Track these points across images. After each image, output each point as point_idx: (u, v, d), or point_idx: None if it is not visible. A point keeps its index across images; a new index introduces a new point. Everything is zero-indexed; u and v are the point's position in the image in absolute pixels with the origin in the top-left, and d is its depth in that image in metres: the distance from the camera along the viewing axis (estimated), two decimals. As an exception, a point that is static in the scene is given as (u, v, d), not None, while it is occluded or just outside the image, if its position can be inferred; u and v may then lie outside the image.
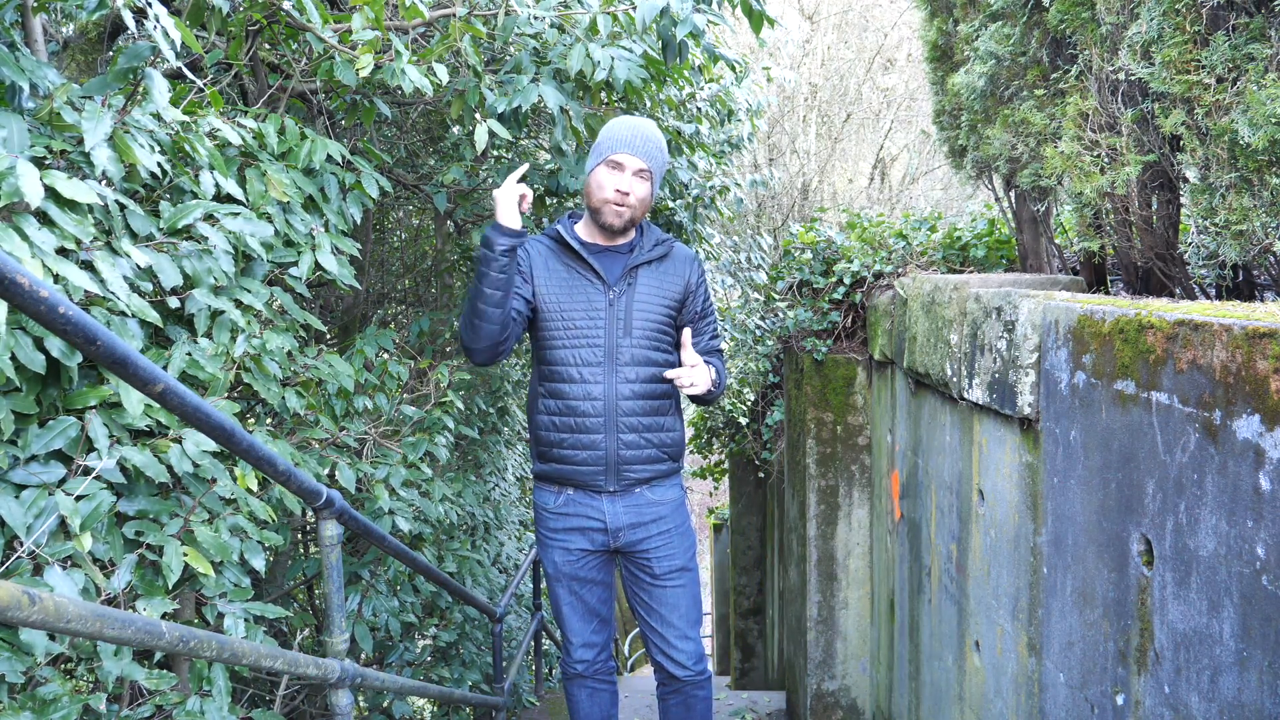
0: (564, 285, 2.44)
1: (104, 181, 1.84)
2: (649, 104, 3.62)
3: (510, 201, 2.36)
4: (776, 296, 4.41)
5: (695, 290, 2.56)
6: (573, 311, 2.42)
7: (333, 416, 2.71)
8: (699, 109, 4.13)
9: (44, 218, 1.65)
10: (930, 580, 2.98)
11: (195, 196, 2.08)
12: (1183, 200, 2.25)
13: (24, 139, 1.66)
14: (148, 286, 1.90)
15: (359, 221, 2.63)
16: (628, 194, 2.39)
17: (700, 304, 2.58)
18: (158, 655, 1.98)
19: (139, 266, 1.83)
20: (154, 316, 1.80)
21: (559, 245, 2.49)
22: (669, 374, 2.45)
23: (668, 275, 2.51)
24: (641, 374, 2.43)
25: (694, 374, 2.43)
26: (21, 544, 1.60)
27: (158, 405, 1.66)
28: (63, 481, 1.69)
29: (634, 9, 2.66)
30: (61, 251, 1.69)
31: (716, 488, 8.89)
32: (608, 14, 2.70)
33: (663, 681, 2.66)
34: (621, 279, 2.44)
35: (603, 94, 3.05)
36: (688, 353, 2.48)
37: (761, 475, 6.59)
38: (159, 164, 1.90)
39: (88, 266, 1.73)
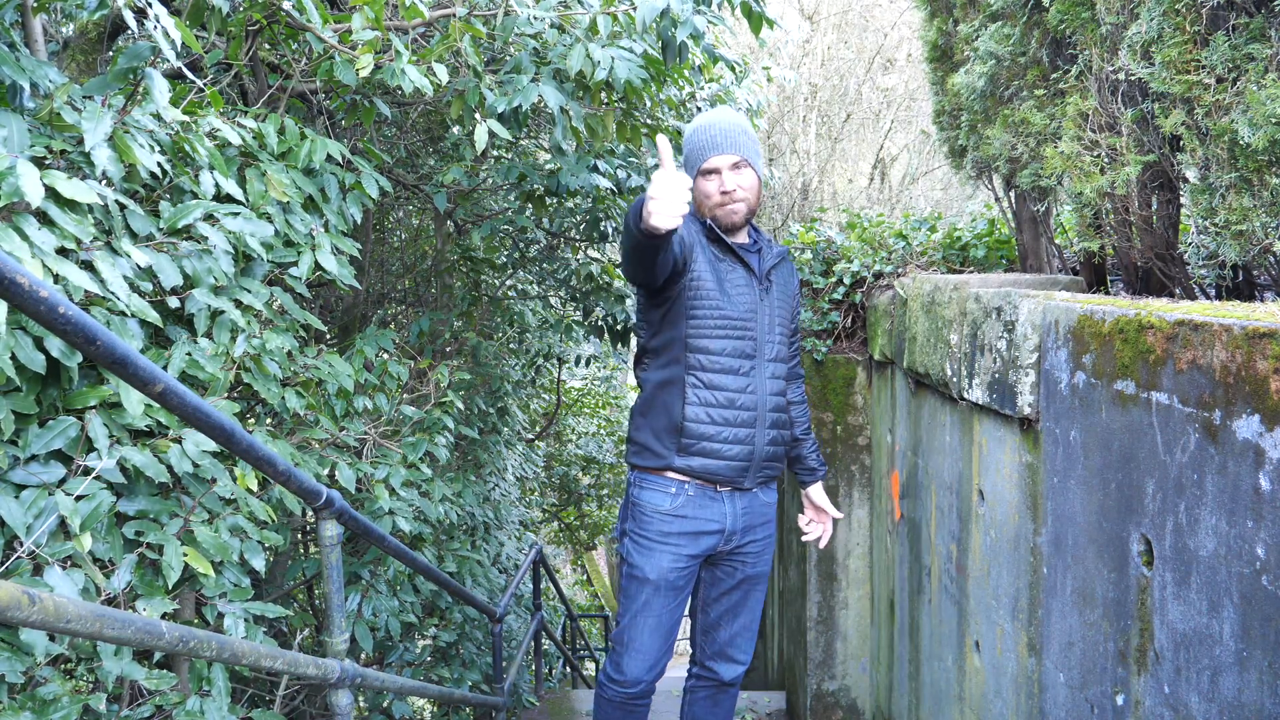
0: (720, 274, 2.39)
1: (104, 181, 1.84)
2: (649, 104, 3.62)
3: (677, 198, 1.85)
4: (776, 296, 4.40)
5: (795, 300, 2.63)
6: (728, 303, 2.37)
7: (333, 416, 2.71)
8: (699, 109, 4.13)
9: (44, 218, 1.65)
10: (930, 580, 2.98)
11: (195, 196, 2.08)
12: (1183, 200, 2.25)
13: (24, 139, 1.66)
14: (148, 286, 1.90)
15: (359, 221, 2.63)
16: (733, 191, 2.37)
17: (796, 319, 2.65)
18: (158, 655, 1.98)
19: (139, 266, 1.83)
20: (154, 316, 1.80)
21: (709, 235, 2.43)
22: (806, 532, 2.78)
23: (788, 281, 2.58)
24: (780, 371, 2.47)
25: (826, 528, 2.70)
26: (21, 544, 1.60)
27: (158, 405, 1.66)
28: (63, 481, 1.69)
29: (634, 9, 2.66)
30: (61, 251, 1.69)
31: (716, 488, 8.86)
32: (608, 14, 2.70)
33: (700, 676, 2.63)
34: (766, 277, 2.48)
35: (603, 94, 3.05)
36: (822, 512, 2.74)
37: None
38: (159, 164, 1.90)
39: (88, 266, 1.73)
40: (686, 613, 2.66)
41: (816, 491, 2.74)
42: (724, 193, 2.36)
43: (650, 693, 2.57)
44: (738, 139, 2.37)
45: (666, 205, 1.83)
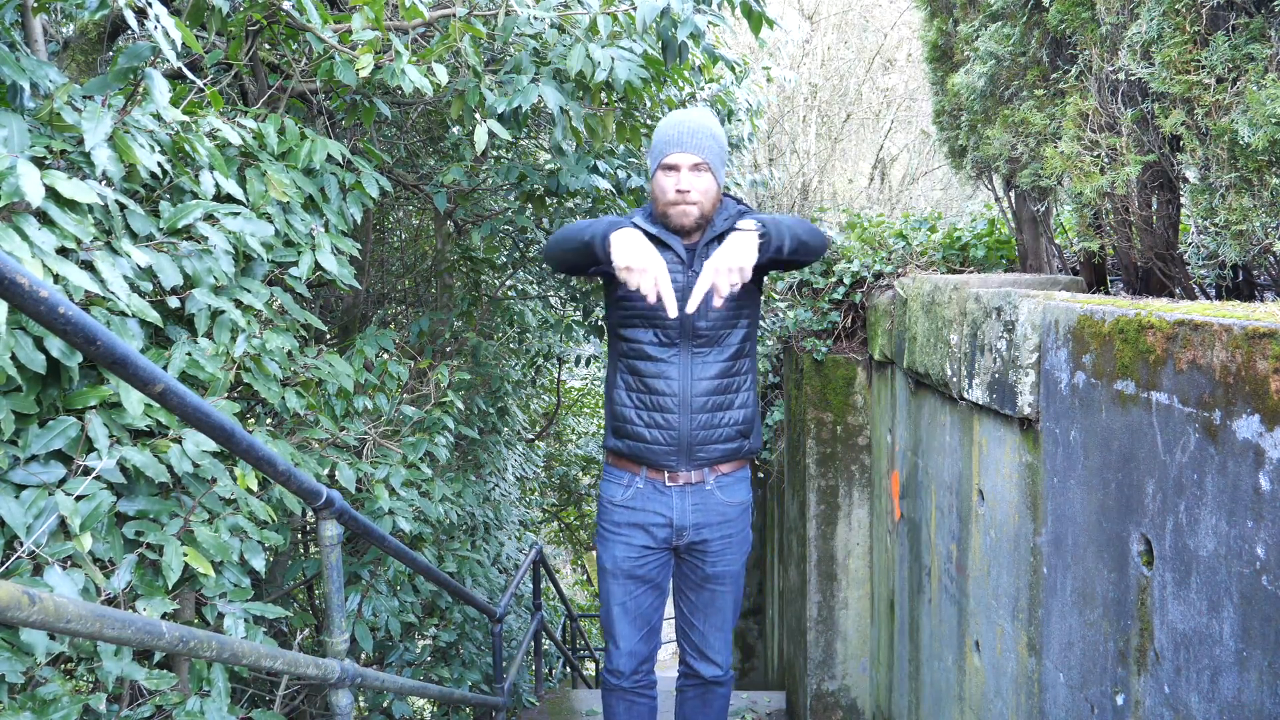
0: None
1: (104, 181, 1.84)
2: (649, 104, 3.62)
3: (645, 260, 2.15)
4: (776, 296, 4.41)
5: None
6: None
7: (333, 416, 2.71)
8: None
9: (44, 218, 1.65)
10: (930, 580, 2.98)
11: (195, 196, 2.08)
12: (1183, 200, 2.25)
13: (24, 139, 1.66)
14: (148, 286, 1.90)
15: (359, 221, 2.63)
16: (687, 191, 2.34)
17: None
18: (158, 655, 1.98)
19: (139, 266, 1.83)
20: (154, 316, 1.80)
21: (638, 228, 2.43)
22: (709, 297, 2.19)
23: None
24: (717, 355, 2.40)
25: (725, 259, 2.11)
26: (21, 544, 1.60)
27: (158, 405, 1.66)
28: (63, 481, 1.69)
29: (634, 9, 2.67)
30: (61, 251, 1.69)
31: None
32: (608, 14, 2.70)
33: (686, 674, 2.66)
34: (698, 259, 2.39)
35: (603, 94, 3.05)
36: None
37: (761, 475, 6.59)
38: (159, 164, 1.90)
39: (88, 266, 1.73)
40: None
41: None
42: (679, 191, 2.34)
43: (646, 685, 2.63)
44: (703, 141, 2.35)
45: (637, 270, 2.14)
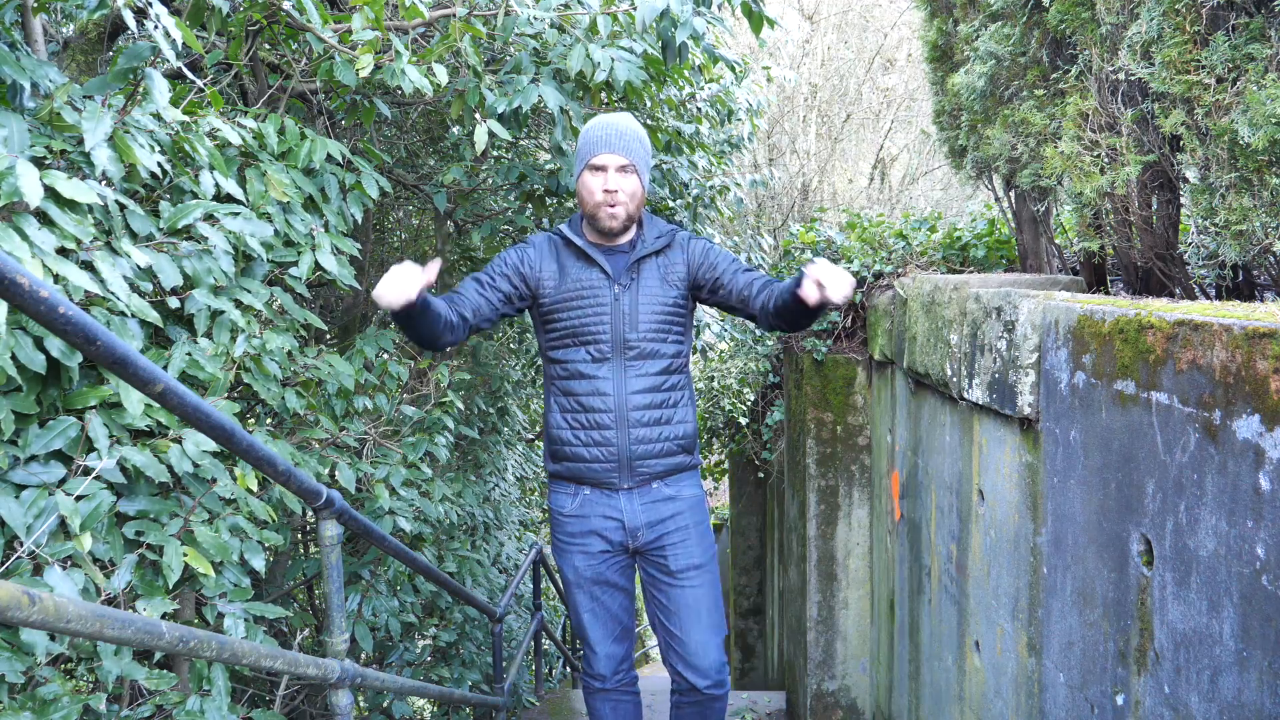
0: (570, 282, 2.43)
1: (104, 181, 1.84)
2: (649, 104, 3.62)
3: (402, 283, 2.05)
4: (776, 296, 4.41)
5: (703, 259, 2.46)
6: (578, 309, 2.41)
7: (333, 416, 2.71)
8: (699, 109, 4.13)
9: (44, 218, 1.65)
10: (930, 580, 2.98)
11: (195, 196, 2.08)
12: (1183, 200, 2.25)
13: (24, 139, 1.66)
14: (148, 286, 1.90)
15: (359, 221, 2.63)
16: (615, 191, 2.37)
17: (718, 260, 2.45)
18: (158, 655, 1.98)
19: (139, 266, 1.83)
20: (154, 316, 1.80)
21: (565, 244, 2.48)
22: (808, 294, 2.08)
23: (671, 263, 2.47)
24: (650, 368, 2.41)
25: (827, 276, 2.05)
26: (21, 544, 1.60)
27: (158, 405, 1.66)
28: (63, 481, 1.69)
29: (634, 9, 2.67)
30: (61, 251, 1.69)
31: (716, 488, 8.88)
32: (608, 14, 2.70)
33: (680, 690, 2.57)
34: (626, 273, 2.42)
35: (603, 94, 3.05)
36: (810, 276, 2.08)
37: (761, 475, 6.59)
38: (159, 164, 1.90)
39: (88, 266, 1.73)
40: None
41: (813, 271, 2.12)
42: (606, 191, 2.36)
43: (628, 683, 2.64)
44: (630, 144, 2.38)
45: (385, 290, 2.04)
